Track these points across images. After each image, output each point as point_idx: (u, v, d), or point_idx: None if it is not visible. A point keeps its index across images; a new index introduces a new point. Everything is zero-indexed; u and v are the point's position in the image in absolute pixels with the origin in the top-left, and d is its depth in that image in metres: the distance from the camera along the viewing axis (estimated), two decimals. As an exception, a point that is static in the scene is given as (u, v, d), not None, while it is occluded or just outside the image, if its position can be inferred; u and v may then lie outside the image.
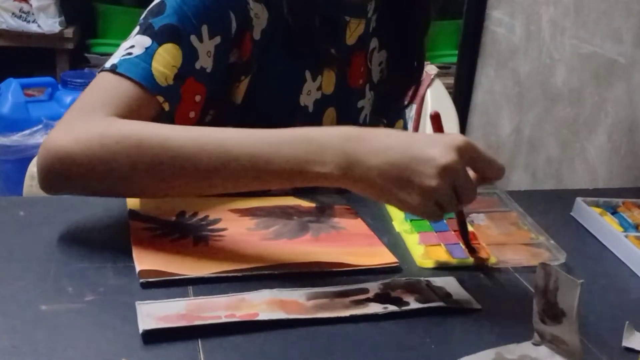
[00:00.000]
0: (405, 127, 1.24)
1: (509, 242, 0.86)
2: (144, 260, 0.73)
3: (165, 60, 0.81)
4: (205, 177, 0.74)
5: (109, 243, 0.77)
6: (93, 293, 0.67)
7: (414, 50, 1.07)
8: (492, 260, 0.81)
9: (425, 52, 1.09)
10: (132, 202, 0.85)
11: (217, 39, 0.85)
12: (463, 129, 1.98)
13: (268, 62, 0.91)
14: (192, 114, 0.86)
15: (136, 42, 0.82)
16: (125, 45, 0.83)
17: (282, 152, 0.72)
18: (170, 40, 0.82)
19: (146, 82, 0.80)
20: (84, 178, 0.75)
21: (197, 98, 0.86)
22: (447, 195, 0.69)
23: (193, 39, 0.83)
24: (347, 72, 1.01)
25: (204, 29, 0.84)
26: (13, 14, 2.62)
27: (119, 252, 0.75)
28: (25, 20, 2.63)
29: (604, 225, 0.91)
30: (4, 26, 2.62)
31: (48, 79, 2.42)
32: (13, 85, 2.29)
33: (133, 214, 0.82)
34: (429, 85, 1.70)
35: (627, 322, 0.69)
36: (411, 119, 1.62)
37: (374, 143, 0.70)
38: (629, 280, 0.83)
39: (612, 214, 0.96)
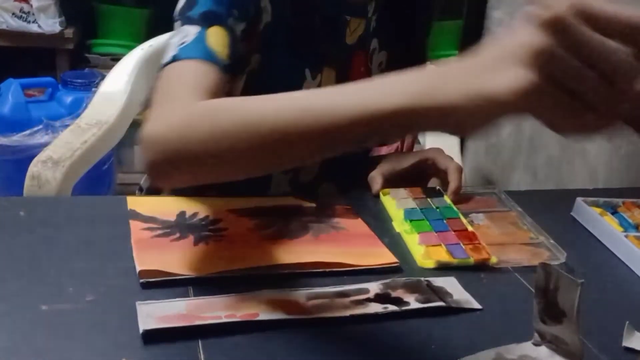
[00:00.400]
0: None
1: (509, 242, 0.86)
2: (144, 260, 0.73)
3: (217, 41, 0.81)
4: (308, 137, 0.65)
5: (109, 243, 0.77)
6: (93, 293, 0.67)
7: (416, 50, 1.07)
8: (493, 260, 0.81)
9: (427, 53, 1.09)
10: (132, 202, 0.85)
11: (243, 25, 0.85)
12: (463, 129, 1.98)
13: (269, 59, 0.92)
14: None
15: (185, 32, 0.82)
16: (174, 41, 0.82)
17: (350, 92, 0.63)
18: (215, 23, 0.82)
19: (212, 59, 0.79)
20: (191, 159, 0.70)
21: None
22: (571, 67, 0.50)
23: (230, 21, 0.83)
24: (348, 73, 1.01)
25: (235, 13, 0.84)
26: (13, 14, 2.62)
27: (119, 252, 0.75)
28: (25, 20, 2.63)
29: (604, 225, 0.91)
30: (4, 26, 2.62)
31: (48, 79, 2.42)
32: (13, 85, 2.29)
33: (133, 214, 0.82)
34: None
35: (627, 322, 0.69)
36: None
37: (447, 64, 0.60)
38: (629, 280, 0.83)
39: (612, 214, 0.95)
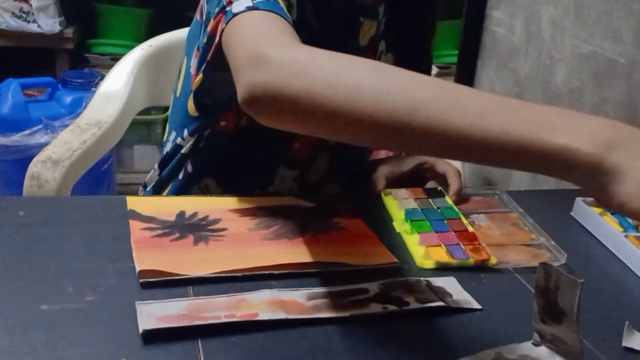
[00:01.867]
0: None
1: (510, 243, 0.86)
2: (144, 260, 0.73)
3: (284, 5, 0.79)
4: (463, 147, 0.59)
5: (109, 243, 0.77)
6: (93, 293, 0.67)
7: (421, 53, 1.07)
8: (493, 260, 0.80)
9: (432, 55, 1.09)
10: (132, 202, 0.85)
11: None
12: (463, 129, 1.98)
13: None
14: None
15: None
16: None
17: (522, 114, 0.57)
18: None
19: (287, 19, 0.76)
20: (304, 102, 0.63)
21: None
22: None
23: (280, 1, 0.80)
24: None
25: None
26: (13, 14, 2.62)
27: (119, 252, 0.75)
28: (25, 20, 2.63)
29: (604, 225, 0.91)
30: (4, 26, 2.62)
31: (48, 79, 2.42)
32: (13, 85, 2.29)
33: (133, 214, 0.82)
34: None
35: (627, 322, 0.69)
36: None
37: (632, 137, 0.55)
38: (629, 280, 0.83)
39: (612, 214, 0.95)
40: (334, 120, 0.62)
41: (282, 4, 0.79)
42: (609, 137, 0.54)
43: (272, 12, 0.76)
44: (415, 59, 1.06)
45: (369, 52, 1.01)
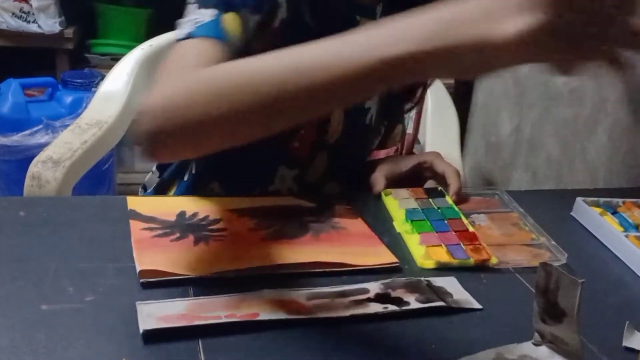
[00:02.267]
0: (403, 132, 1.24)
1: (510, 243, 0.86)
2: (144, 260, 0.73)
3: (231, 26, 0.82)
4: (310, 87, 0.65)
5: (109, 243, 0.77)
6: (93, 293, 0.67)
7: None
8: (493, 260, 0.80)
9: None
10: (132, 202, 0.85)
11: (257, 17, 0.85)
12: (463, 129, 1.98)
13: None
14: None
15: (201, 14, 0.82)
16: (190, 17, 0.82)
17: (355, 41, 0.63)
18: (230, 9, 0.82)
19: (227, 40, 0.80)
20: (187, 124, 0.69)
21: None
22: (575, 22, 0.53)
23: (244, 11, 0.83)
24: None
25: (250, 4, 0.84)
26: (13, 14, 2.62)
27: (119, 252, 0.75)
28: (25, 20, 2.63)
29: (604, 225, 0.91)
30: (4, 26, 2.62)
31: (48, 79, 2.42)
32: (13, 85, 2.29)
33: (133, 214, 0.82)
34: (429, 85, 1.70)
35: (627, 322, 0.69)
36: (411, 119, 1.62)
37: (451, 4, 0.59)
38: (629, 280, 0.83)
39: (612, 214, 0.95)
40: (225, 129, 0.70)
41: (231, 21, 0.81)
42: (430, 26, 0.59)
43: (207, 37, 0.79)
44: None
45: None
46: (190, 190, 1.00)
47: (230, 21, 0.82)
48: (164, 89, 0.73)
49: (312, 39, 0.91)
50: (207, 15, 0.82)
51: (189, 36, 0.80)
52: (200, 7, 0.83)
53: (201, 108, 0.69)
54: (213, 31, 0.80)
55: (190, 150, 0.75)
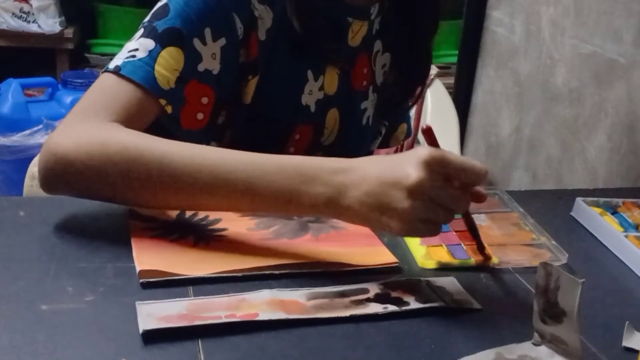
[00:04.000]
0: (408, 131, 1.24)
1: (511, 243, 0.86)
2: (144, 260, 0.73)
3: (168, 64, 0.82)
4: (198, 196, 0.76)
5: (109, 243, 0.77)
6: (93, 293, 0.67)
7: (422, 52, 1.07)
8: (494, 260, 0.80)
9: (431, 54, 1.09)
10: (132, 202, 0.85)
11: (222, 41, 0.85)
12: (463, 129, 1.98)
13: (271, 62, 0.92)
14: (200, 116, 0.87)
15: (140, 45, 0.83)
16: (129, 46, 0.84)
17: (275, 181, 0.73)
18: (173, 43, 0.83)
19: (149, 85, 0.81)
20: (82, 182, 0.77)
21: (204, 100, 0.86)
22: (430, 211, 0.70)
23: (196, 42, 0.84)
24: (351, 74, 1.01)
25: (207, 32, 0.84)
26: (13, 14, 2.62)
27: (119, 252, 0.75)
28: (25, 20, 2.63)
29: (604, 225, 0.91)
30: (4, 26, 2.62)
31: (48, 79, 2.42)
32: (13, 85, 2.29)
33: (133, 214, 0.82)
34: (429, 85, 1.70)
35: (627, 322, 0.69)
36: (411, 119, 1.62)
37: (356, 174, 0.72)
38: (629, 280, 0.83)
39: (612, 214, 0.95)
40: (112, 198, 0.79)
41: (169, 58, 0.82)
42: (331, 191, 0.73)
43: (128, 79, 0.81)
44: (415, 58, 1.06)
45: (362, 52, 1.01)
46: None
47: (168, 58, 0.83)
48: (67, 136, 0.77)
49: (298, 43, 0.92)
50: (144, 48, 0.83)
51: (115, 70, 0.81)
52: (142, 36, 0.84)
53: (95, 177, 0.75)
54: (138, 74, 0.81)
55: (77, 196, 0.79)
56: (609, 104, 1.42)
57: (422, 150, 0.70)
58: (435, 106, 1.67)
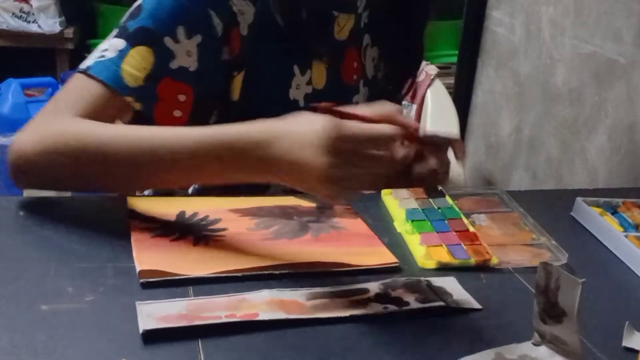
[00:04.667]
0: None
1: (511, 243, 0.86)
2: (144, 260, 0.73)
3: (136, 62, 0.84)
4: (144, 173, 0.79)
5: (109, 243, 0.77)
6: (93, 293, 0.67)
7: (413, 45, 1.07)
8: (494, 260, 0.80)
9: (423, 47, 1.09)
10: (132, 202, 0.85)
11: (198, 38, 0.86)
12: (463, 129, 1.98)
13: (257, 57, 0.92)
14: (177, 113, 0.88)
15: (110, 45, 0.85)
16: (101, 47, 0.86)
17: (210, 156, 0.75)
18: (143, 42, 0.84)
19: (113, 83, 0.83)
20: (42, 175, 0.81)
21: (182, 97, 0.87)
22: (350, 174, 0.70)
23: (167, 40, 0.85)
24: (340, 68, 1.01)
25: (180, 30, 0.85)
26: (13, 14, 2.62)
27: (119, 252, 0.75)
28: (25, 20, 2.63)
29: (604, 225, 0.91)
30: (4, 26, 2.62)
31: (48, 79, 2.42)
32: (13, 85, 2.29)
33: (133, 214, 0.82)
34: (429, 85, 1.70)
35: (627, 322, 0.69)
36: (411, 119, 1.62)
37: (277, 145, 0.73)
38: (629, 280, 0.83)
39: (612, 214, 0.95)
40: (79, 185, 0.83)
41: (139, 58, 0.84)
42: (260, 164, 0.74)
43: (99, 80, 0.83)
44: (406, 50, 1.06)
45: (351, 46, 1.01)
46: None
47: (136, 57, 0.84)
48: (28, 132, 0.82)
49: (282, 37, 0.92)
50: (114, 48, 0.84)
51: (85, 70, 0.84)
52: (114, 37, 0.86)
53: (51, 169, 0.79)
54: (106, 74, 0.83)
55: (48, 188, 0.83)
56: (609, 104, 1.42)
57: (323, 139, 0.70)
58: (435, 106, 1.67)
